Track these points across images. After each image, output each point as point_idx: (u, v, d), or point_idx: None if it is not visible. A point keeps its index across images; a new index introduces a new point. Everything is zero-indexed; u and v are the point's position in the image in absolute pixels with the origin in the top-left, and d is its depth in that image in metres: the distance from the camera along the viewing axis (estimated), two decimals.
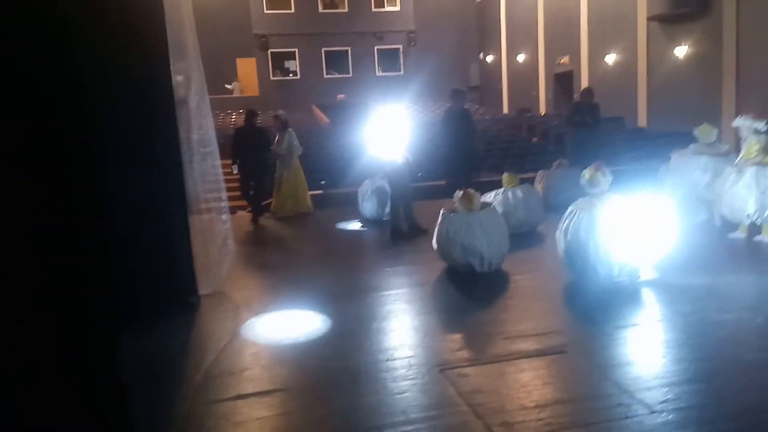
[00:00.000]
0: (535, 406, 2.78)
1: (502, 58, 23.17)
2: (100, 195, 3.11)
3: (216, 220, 5.03)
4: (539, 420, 2.65)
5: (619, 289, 4.46)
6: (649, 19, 14.45)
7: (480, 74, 25.57)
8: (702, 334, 3.60)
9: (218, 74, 22.55)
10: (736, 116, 12.28)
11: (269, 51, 24.08)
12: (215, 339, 3.94)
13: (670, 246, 4.62)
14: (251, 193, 8.74)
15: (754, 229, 5.73)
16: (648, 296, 4.42)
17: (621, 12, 15.63)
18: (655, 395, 2.81)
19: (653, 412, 2.65)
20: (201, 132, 5.02)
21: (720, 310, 3.92)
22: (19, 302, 1.95)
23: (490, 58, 24.55)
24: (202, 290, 4.80)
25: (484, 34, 24.94)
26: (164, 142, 4.40)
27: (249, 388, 3.18)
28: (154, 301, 4.22)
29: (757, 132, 5.71)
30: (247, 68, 24.57)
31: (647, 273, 4.68)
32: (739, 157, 5.86)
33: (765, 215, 5.57)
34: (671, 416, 2.62)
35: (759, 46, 11.39)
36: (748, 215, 5.66)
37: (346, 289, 5.12)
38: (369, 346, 3.74)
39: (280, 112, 10.02)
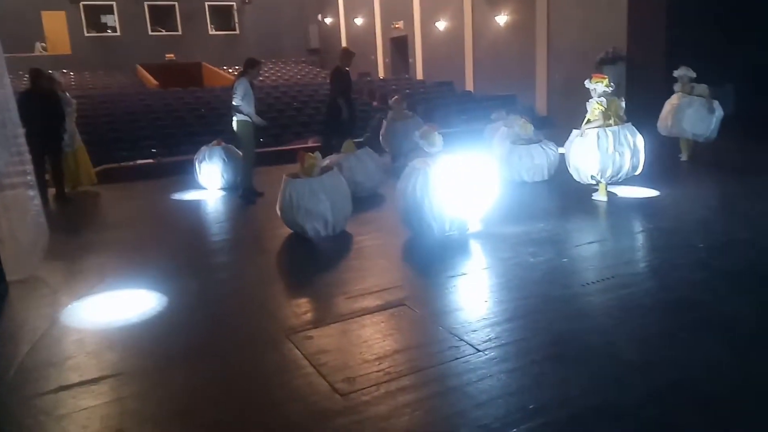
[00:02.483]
0: (376, 359, 2.92)
1: (341, 20, 23.07)
2: None
3: (23, 197, 4.42)
4: (379, 371, 2.79)
5: (451, 242, 4.82)
6: None
7: (320, 36, 25.26)
8: (519, 277, 4.04)
9: (23, 30, 19.55)
10: (549, 80, 13.68)
11: (81, 3, 21.31)
12: (29, 328, 3.53)
13: (492, 200, 5.07)
14: (47, 171, 7.38)
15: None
16: (475, 247, 4.83)
17: None
18: (480, 336, 3.10)
19: (479, 351, 2.93)
20: None
21: (533, 255, 4.42)
22: None
23: (328, 20, 24.32)
24: (12, 276, 4.23)
25: None
26: None
27: (73, 378, 2.91)
28: None
29: (599, 94, 5.69)
30: (55, 23, 21.48)
31: (474, 226, 5.11)
32: (585, 120, 5.88)
33: (606, 176, 5.72)
34: (494, 353, 2.92)
35: (565, 15, 12.71)
36: (591, 176, 5.82)
37: (183, 263, 4.87)
38: (210, 321, 3.61)
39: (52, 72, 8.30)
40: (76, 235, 6.05)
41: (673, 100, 7.66)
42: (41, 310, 3.85)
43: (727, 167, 7.56)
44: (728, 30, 10.13)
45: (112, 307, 3.90)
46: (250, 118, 6.81)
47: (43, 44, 21.23)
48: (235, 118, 6.86)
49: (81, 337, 3.42)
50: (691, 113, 7.43)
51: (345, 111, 8.42)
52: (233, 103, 6.78)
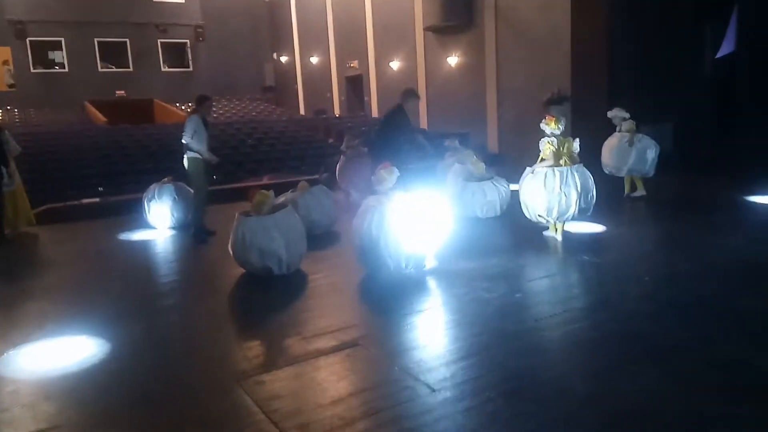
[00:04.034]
0: (330, 403, 2.85)
1: (296, 59, 23.33)
2: None
3: None
4: (333, 415, 2.71)
5: (407, 279, 4.81)
6: (425, 29, 15.81)
7: (275, 74, 25.42)
8: (474, 313, 4.05)
9: None
10: (499, 119, 14.11)
11: (28, 39, 20.83)
12: None
13: (447, 236, 5.12)
14: None
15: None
16: (431, 283, 4.83)
17: (402, 21, 16.85)
18: (435, 375, 3.08)
19: (434, 391, 2.90)
20: None
21: (488, 290, 4.46)
22: None
23: (284, 59, 24.53)
24: None
25: (277, 33, 24.83)
26: None
27: None
28: None
29: (550, 135, 5.75)
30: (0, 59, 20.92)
31: (430, 262, 5.13)
32: (539, 158, 5.92)
33: (553, 215, 5.77)
34: (449, 393, 2.89)
35: (512, 56, 13.22)
36: (539, 215, 5.85)
37: (128, 307, 4.68)
38: (155, 368, 3.45)
39: None
40: (15, 280, 5.74)
41: (609, 140, 8.02)
42: None
43: (668, 202, 7.90)
44: (666, 71, 10.78)
45: (50, 356, 3.68)
46: (201, 155, 6.73)
47: (9, 68, 20.50)
48: (185, 156, 6.76)
49: (16, 388, 3.21)
50: (616, 150, 7.81)
51: (428, 148, 7.61)
52: (183, 140, 6.69)
